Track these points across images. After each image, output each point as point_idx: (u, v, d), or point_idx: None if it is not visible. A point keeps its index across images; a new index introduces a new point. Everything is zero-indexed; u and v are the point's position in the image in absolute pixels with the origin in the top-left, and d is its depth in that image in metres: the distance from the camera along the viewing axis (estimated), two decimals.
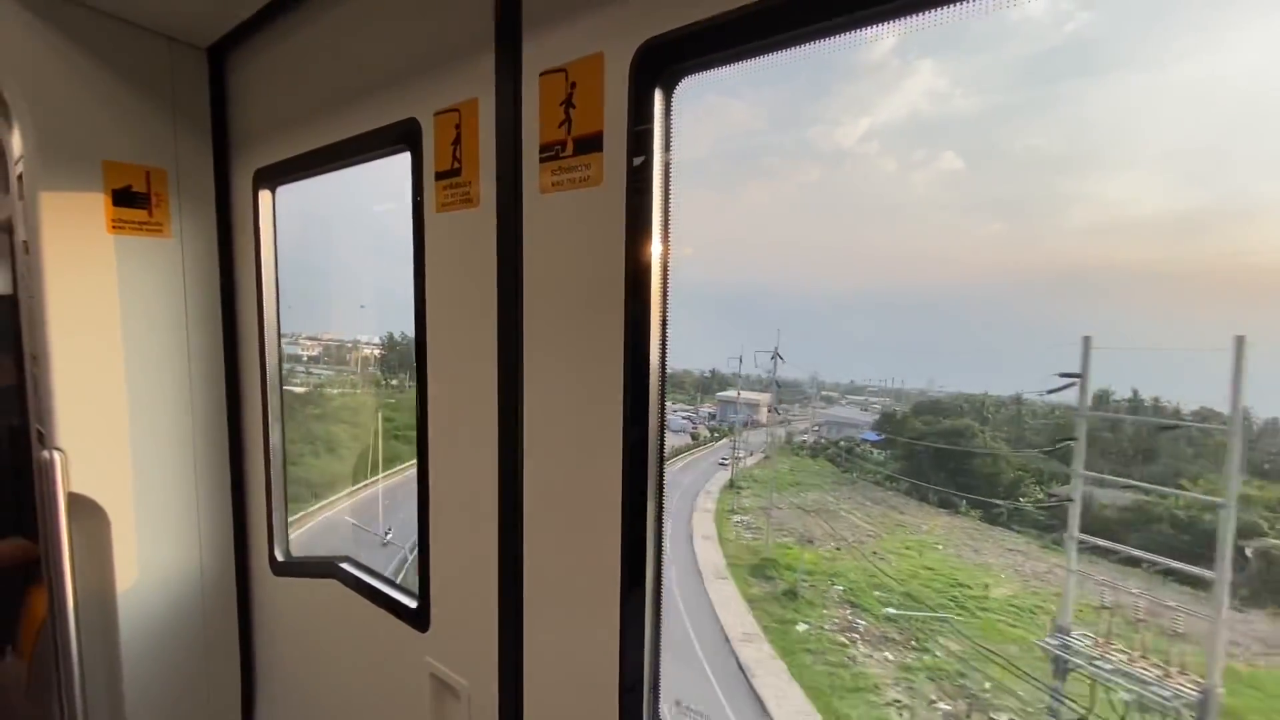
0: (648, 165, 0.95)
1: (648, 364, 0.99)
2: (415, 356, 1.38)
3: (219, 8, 1.61)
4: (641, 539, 1.02)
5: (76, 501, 1.68)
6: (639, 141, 0.95)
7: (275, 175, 1.73)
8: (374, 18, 1.38)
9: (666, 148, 0.95)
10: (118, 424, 1.72)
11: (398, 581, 1.60)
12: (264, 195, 1.78)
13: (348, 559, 1.72)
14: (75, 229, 1.63)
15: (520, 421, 1.17)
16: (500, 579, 1.23)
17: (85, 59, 1.62)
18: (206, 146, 1.84)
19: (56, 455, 1.63)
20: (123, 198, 1.69)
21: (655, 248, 0.97)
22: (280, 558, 1.91)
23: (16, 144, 1.65)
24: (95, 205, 1.66)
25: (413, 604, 1.45)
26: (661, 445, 1.03)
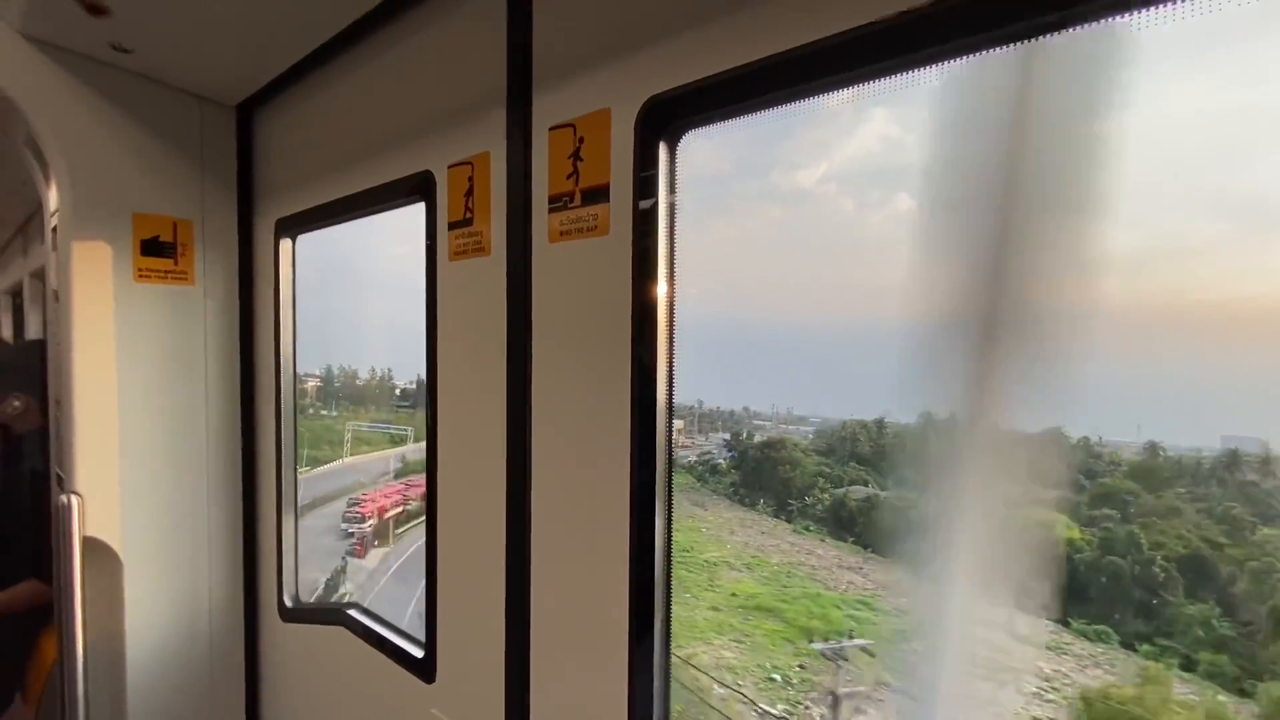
0: (653, 214, 0.97)
1: (655, 406, 0.99)
2: (426, 402, 1.40)
3: (248, 70, 1.70)
4: (649, 584, 1.00)
5: (90, 545, 1.70)
6: (644, 192, 0.97)
7: (296, 224, 1.79)
8: (392, 76, 1.45)
9: (671, 197, 0.98)
10: (135, 468, 1.75)
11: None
12: (285, 243, 1.84)
13: (356, 605, 1.71)
14: (104, 278, 1.69)
15: (528, 467, 1.17)
16: (507, 628, 1.22)
17: (121, 117, 1.70)
18: (231, 197, 1.91)
19: (75, 499, 1.65)
20: (150, 247, 1.76)
21: (661, 293, 0.98)
22: (289, 604, 1.90)
23: (53, 198, 1.73)
24: (124, 255, 1.72)
25: (419, 653, 1.43)
26: (670, 488, 1.02)
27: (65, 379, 1.66)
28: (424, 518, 1.41)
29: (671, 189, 0.98)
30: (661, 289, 0.99)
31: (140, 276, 1.75)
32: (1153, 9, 0.60)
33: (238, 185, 1.91)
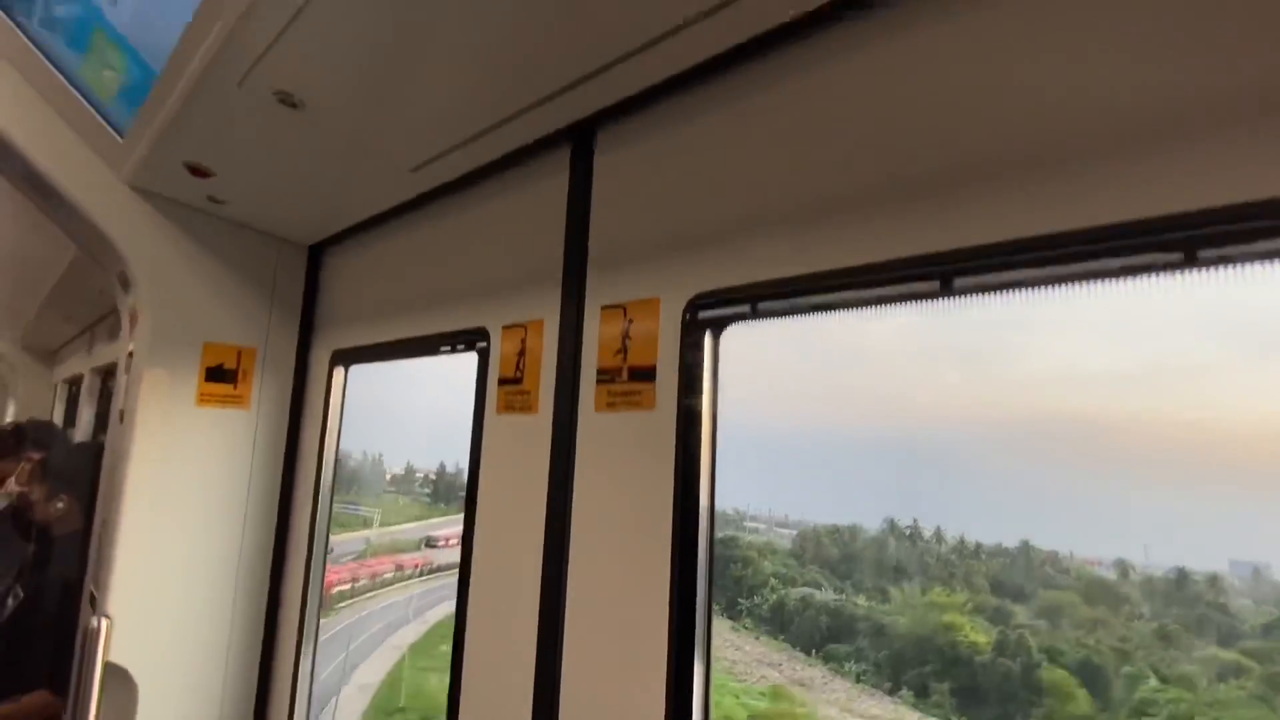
0: (697, 398, 1.02)
1: (695, 576, 1.00)
2: (462, 543, 1.41)
3: (327, 220, 1.87)
4: (688, 701, 0.97)
5: (110, 669, 1.68)
6: (689, 377, 1.03)
7: (352, 357, 1.90)
8: (456, 236, 1.58)
9: (715, 383, 1.03)
10: (165, 595, 1.76)
11: None
12: (338, 372, 1.94)
13: None
14: (168, 403, 1.79)
15: (560, 639, 1.16)
16: None
17: (206, 256, 1.87)
18: (294, 326, 2.04)
19: (104, 623, 1.66)
20: (214, 374, 1.87)
21: (704, 473, 1.01)
22: None
23: (133, 327, 1.87)
24: (190, 381, 1.83)
25: None
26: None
27: (116, 499, 1.72)
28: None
29: (715, 371, 1.04)
30: (704, 466, 1.02)
31: (201, 400, 1.84)
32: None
33: (301, 316, 2.05)
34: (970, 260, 0.77)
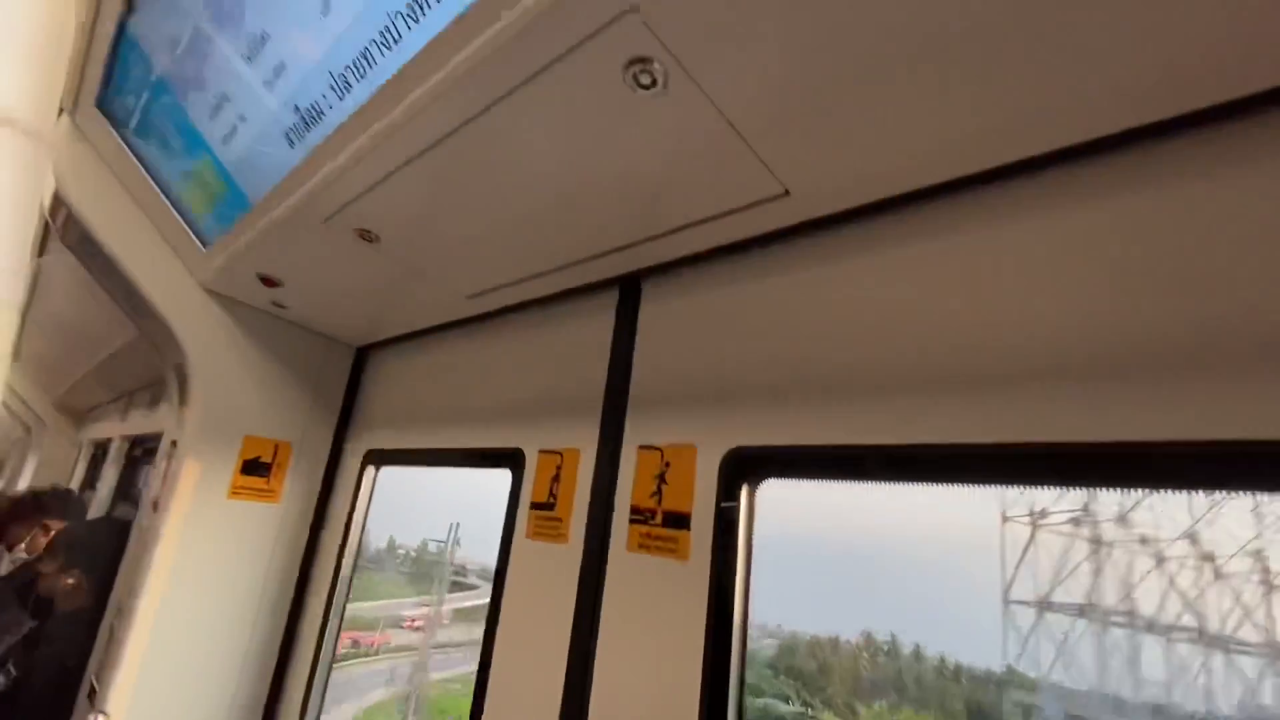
0: (732, 554, 1.03)
1: None
2: (479, 666, 1.39)
3: (379, 326, 1.97)
4: None
5: None
6: (725, 529, 1.05)
7: (385, 458, 1.94)
8: (501, 356, 1.66)
9: (750, 539, 1.05)
10: (164, 694, 1.73)
11: None
12: (369, 471, 1.98)
13: None
14: (203, 494, 1.82)
15: None
16: None
17: (259, 352, 1.96)
18: (331, 423, 2.10)
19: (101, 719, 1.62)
20: (250, 466, 1.92)
21: (735, 634, 1.01)
22: None
23: (180, 418, 1.94)
24: (225, 473, 1.87)
25: None
26: None
27: (134, 596, 1.72)
28: None
29: (750, 525, 1.06)
30: (736, 620, 1.02)
31: (233, 493, 1.88)
32: None
33: (340, 414, 2.11)
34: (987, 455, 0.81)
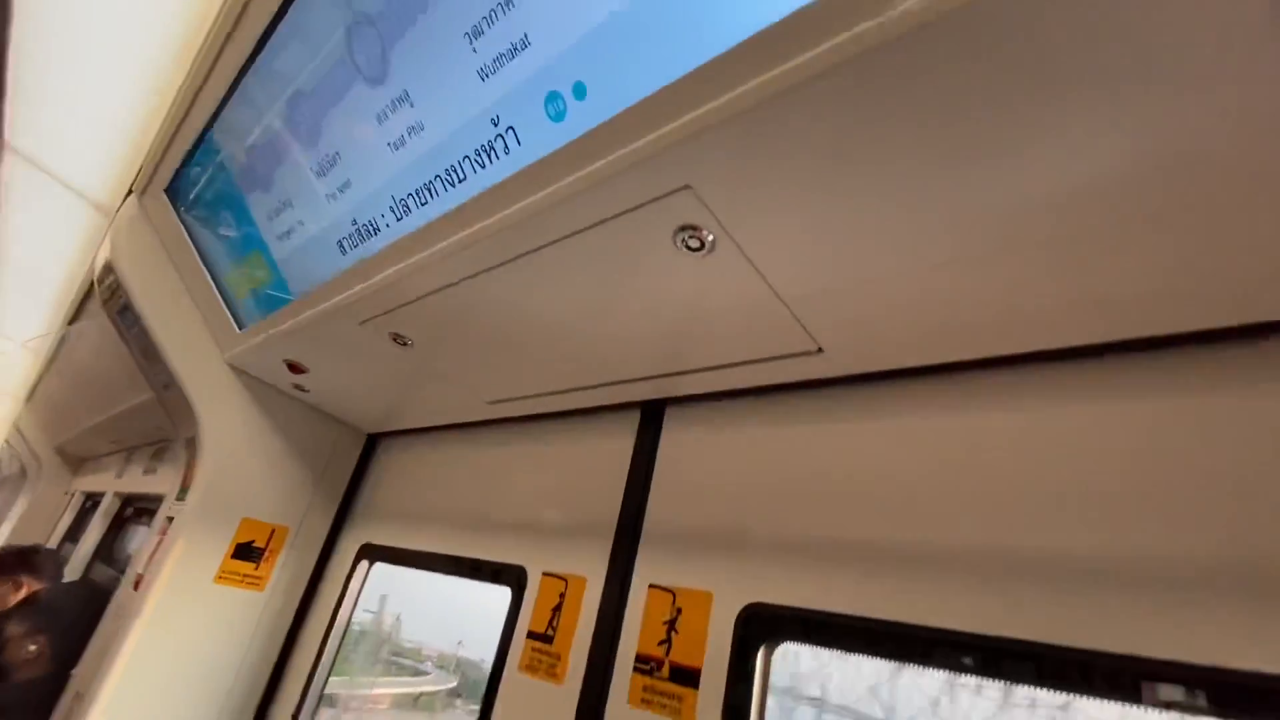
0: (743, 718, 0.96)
1: None
2: None
3: (396, 418, 1.97)
4: None
5: None
6: (736, 698, 0.98)
7: (380, 554, 1.88)
8: (517, 466, 1.64)
9: (763, 709, 0.98)
10: None
11: None
12: (362, 567, 1.91)
13: None
14: (189, 576, 1.76)
15: None
16: None
17: (272, 431, 1.96)
18: (331, 511, 2.06)
19: None
20: (242, 551, 1.86)
21: None
22: None
23: (182, 490, 1.91)
24: (215, 555, 1.81)
25: None
26: None
27: (100, 680, 1.63)
28: None
29: (764, 696, 0.99)
30: None
31: (220, 578, 1.81)
32: None
33: (340, 503, 2.07)
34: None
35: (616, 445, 1.39)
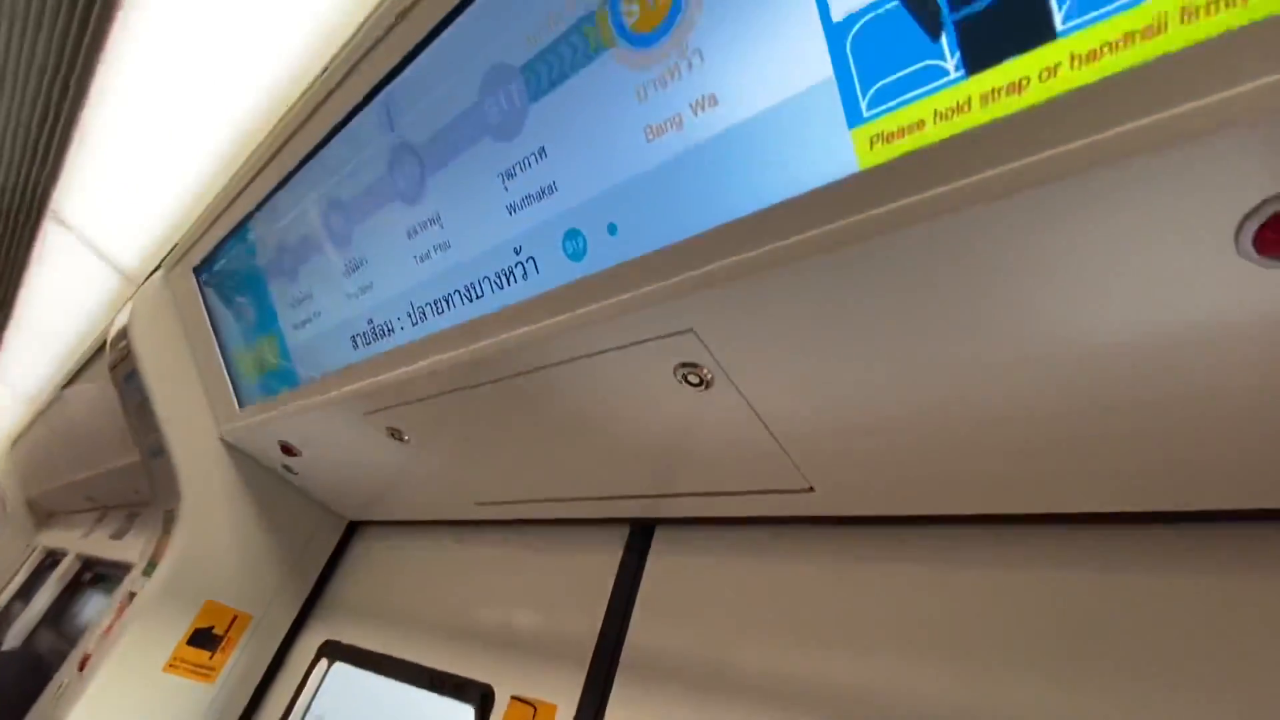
0: None
1: None
2: None
3: (380, 508, 1.94)
4: None
5: None
6: None
7: (340, 654, 1.79)
8: (497, 572, 1.60)
9: None
10: None
11: None
12: (322, 665, 1.81)
13: None
14: (139, 662, 1.67)
15: None
16: None
17: (253, 511, 1.92)
18: (298, 602, 1.98)
19: None
20: (199, 638, 1.77)
21: None
22: None
23: (150, 566, 1.85)
24: (170, 640, 1.73)
25: None
26: None
27: None
28: None
29: None
30: None
31: (170, 666, 1.71)
32: None
33: (309, 594, 2.00)
34: None
35: (602, 560, 1.37)
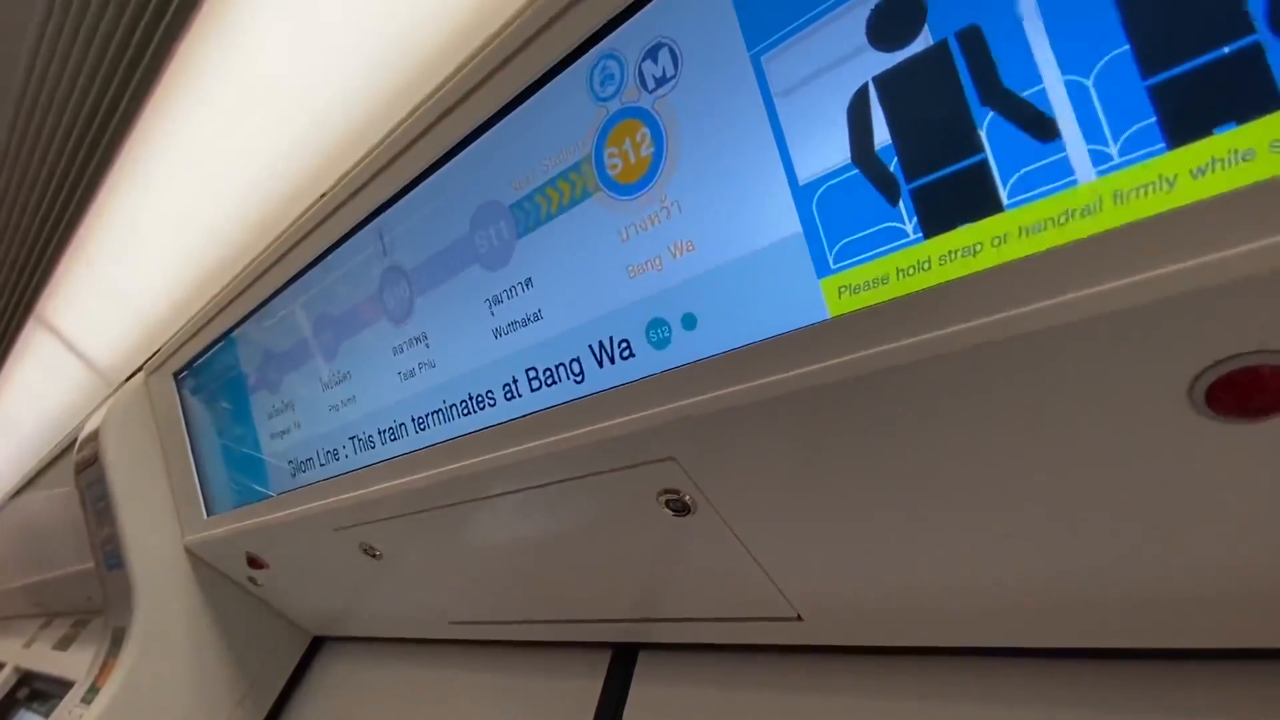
0: None
1: None
2: None
3: (349, 623, 1.84)
4: None
5: None
6: None
7: None
8: (470, 694, 1.50)
9: None
10: None
11: None
12: None
13: None
14: None
15: None
16: None
17: (211, 626, 1.81)
18: None
19: None
20: None
21: None
22: None
23: (92, 693, 1.71)
24: None
25: None
26: None
27: None
28: None
29: None
30: None
31: None
32: None
33: (268, 715, 1.85)
34: None
35: (582, 690, 1.29)
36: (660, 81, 0.72)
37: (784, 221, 0.66)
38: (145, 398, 1.84)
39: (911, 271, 0.60)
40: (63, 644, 3.18)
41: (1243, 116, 0.46)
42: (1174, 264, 0.47)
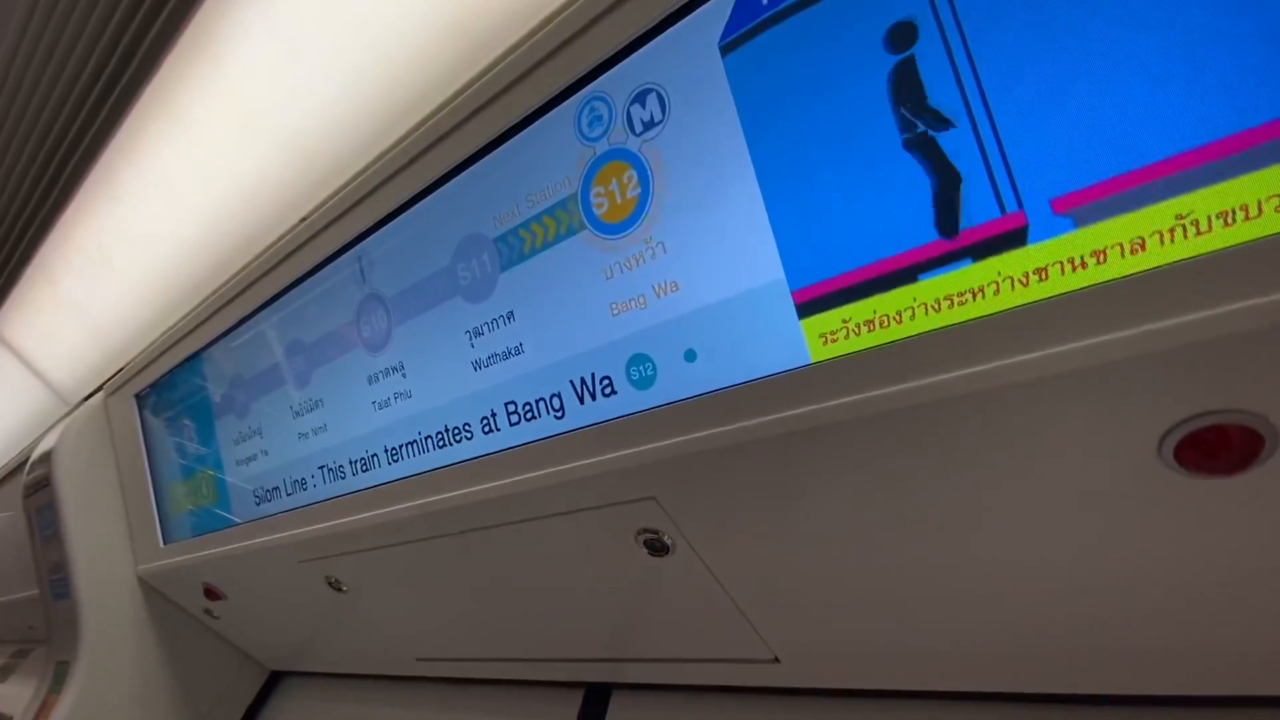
0: None
1: None
2: None
3: (309, 658, 1.77)
4: None
5: None
6: None
7: None
8: None
9: None
10: None
11: None
12: None
13: None
14: None
15: None
16: None
17: (162, 661, 1.72)
18: None
19: None
20: None
21: None
22: None
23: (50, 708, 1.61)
24: None
25: None
26: None
27: None
28: None
29: None
30: None
31: None
32: None
33: None
34: None
35: None
36: (648, 125, 0.73)
37: (767, 267, 0.67)
38: (104, 418, 1.77)
39: (889, 321, 0.61)
40: (3, 673, 2.99)
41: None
42: (1147, 324, 0.49)
